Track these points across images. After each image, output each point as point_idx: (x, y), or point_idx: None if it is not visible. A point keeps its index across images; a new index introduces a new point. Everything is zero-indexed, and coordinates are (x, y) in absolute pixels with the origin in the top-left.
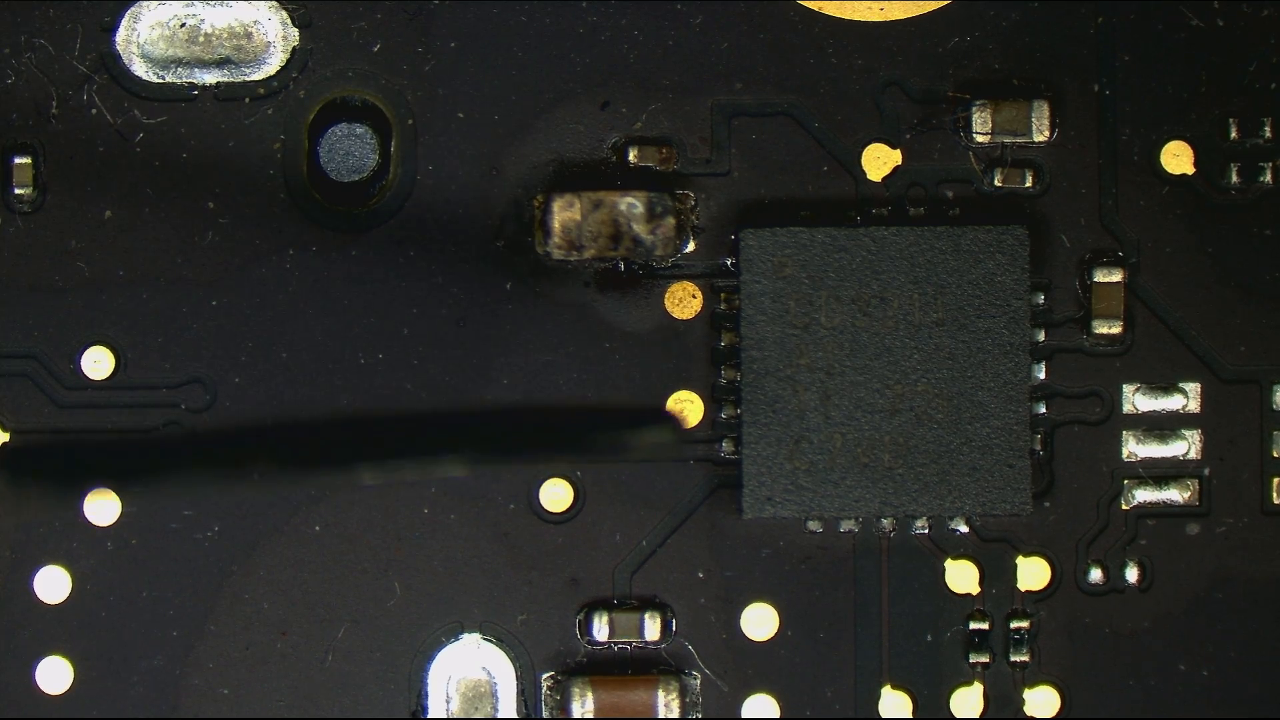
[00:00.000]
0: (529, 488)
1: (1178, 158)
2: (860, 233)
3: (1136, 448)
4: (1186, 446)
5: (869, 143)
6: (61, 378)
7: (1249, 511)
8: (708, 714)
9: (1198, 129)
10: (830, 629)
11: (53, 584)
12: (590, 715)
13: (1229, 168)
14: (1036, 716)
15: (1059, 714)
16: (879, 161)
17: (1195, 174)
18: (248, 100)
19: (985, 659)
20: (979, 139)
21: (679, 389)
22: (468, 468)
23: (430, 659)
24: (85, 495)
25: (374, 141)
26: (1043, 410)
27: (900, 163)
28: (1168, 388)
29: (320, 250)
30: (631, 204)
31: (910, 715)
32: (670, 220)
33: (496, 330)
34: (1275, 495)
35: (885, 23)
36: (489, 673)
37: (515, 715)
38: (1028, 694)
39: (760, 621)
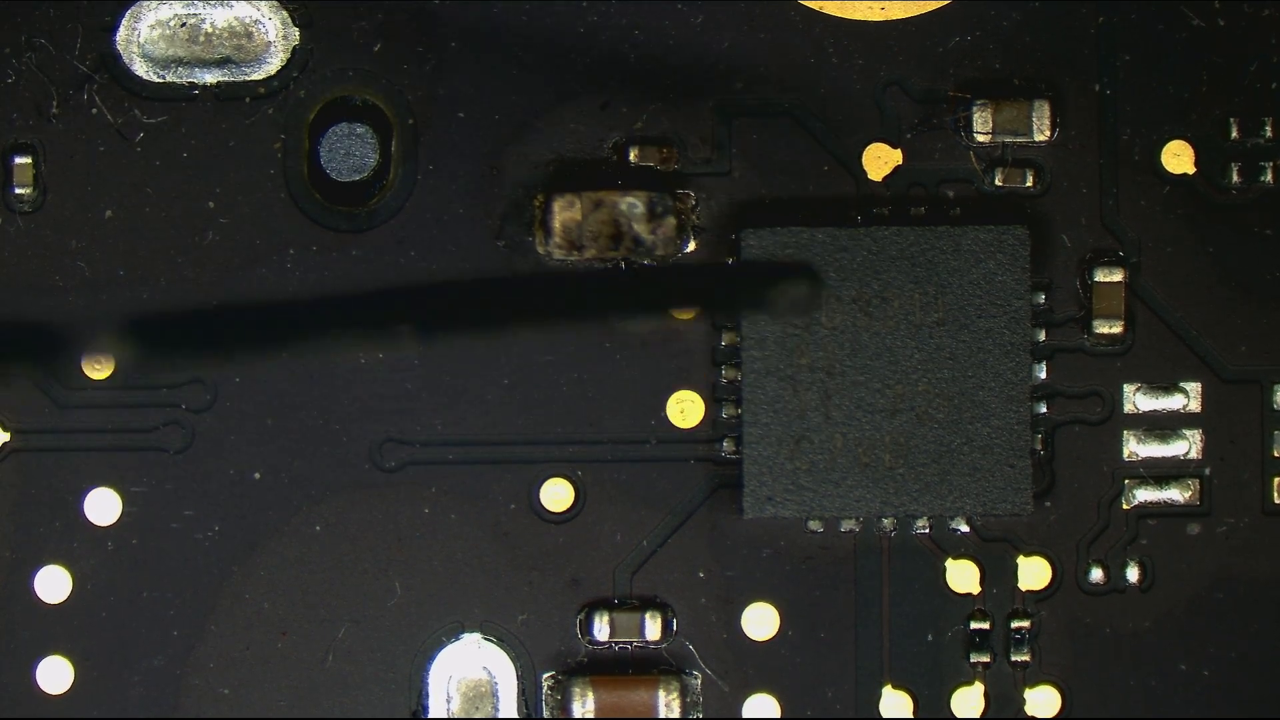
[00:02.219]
0: (529, 487)
1: (1178, 157)
2: (861, 233)
3: (1137, 447)
4: (1187, 446)
5: (870, 142)
6: (62, 378)
7: (1250, 511)
8: (708, 714)
9: (1198, 129)
10: (831, 629)
11: (53, 584)
12: (591, 715)
13: (1230, 167)
14: (1037, 716)
15: (1060, 714)
16: (880, 161)
17: (1196, 174)
18: (248, 100)
19: (986, 659)
20: (980, 139)
21: (680, 388)
22: (635, 323)
23: (431, 659)
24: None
25: (374, 141)
26: (1043, 410)
27: (901, 162)
28: (1168, 387)
29: (320, 250)
30: (632, 204)
31: (911, 715)
32: (671, 220)
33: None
34: (1276, 495)
35: (886, 22)
36: (490, 672)
37: (516, 715)
38: (1028, 694)
39: (761, 621)
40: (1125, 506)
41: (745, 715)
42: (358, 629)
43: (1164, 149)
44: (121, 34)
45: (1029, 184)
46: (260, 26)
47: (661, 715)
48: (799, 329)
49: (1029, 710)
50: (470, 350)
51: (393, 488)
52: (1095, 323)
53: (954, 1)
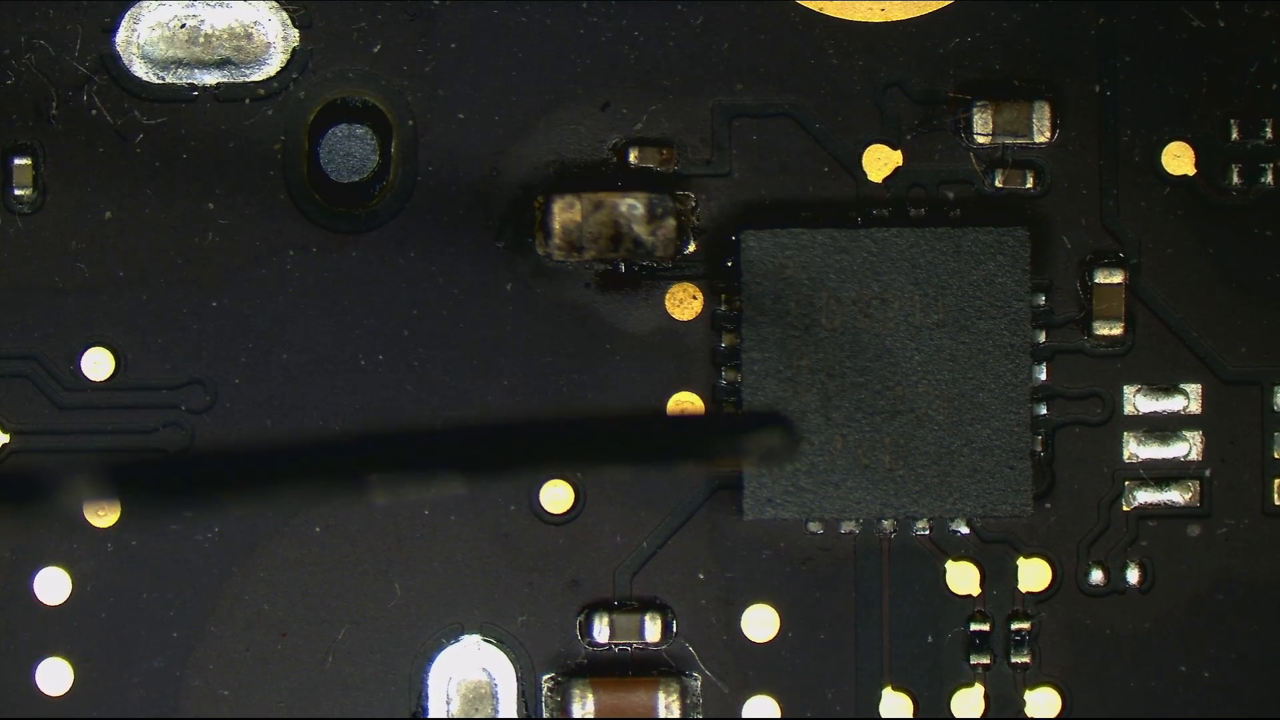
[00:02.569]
0: (530, 489)
1: (1179, 158)
2: (861, 234)
3: (1137, 449)
4: (1187, 448)
5: (870, 143)
6: (61, 379)
7: (1250, 513)
8: (708, 715)
9: (1199, 130)
10: (831, 630)
11: (53, 585)
12: (591, 716)
13: (1230, 168)
14: (1037, 718)
15: (1060, 715)
16: (880, 162)
17: (1196, 175)
18: (248, 101)
19: (986, 660)
20: (980, 140)
21: (680, 390)
22: (584, 470)
23: (430, 660)
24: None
25: (374, 142)
26: (1043, 411)
27: (901, 164)
28: (1169, 389)
29: (320, 251)
30: (632, 205)
31: (911, 716)
32: (671, 221)
33: (496, 331)
34: (1276, 496)
35: (886, 23)
36: (489, 674)
37: (515, 717)
38: (1029, 695)
39: (761, 623)
40: (1125, 508)
41: (745, 716)
42: (357, 630)
43: (1164, 150)
44: (121, 35)
45: (1029, 185)
46: (260, 28)
47: (661, 716)
48: (798, 330)
49: (1029, 712)
50: (469, 351)
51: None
52: (1095, 324)
53: (954, 2)
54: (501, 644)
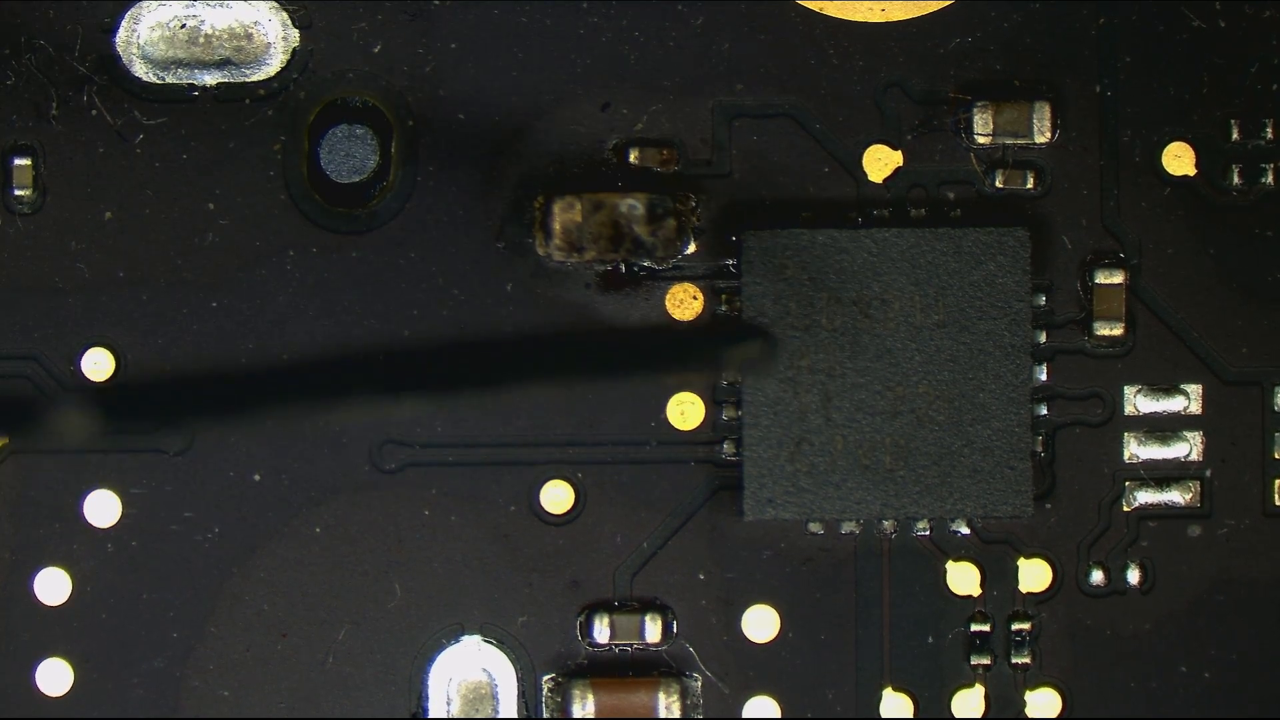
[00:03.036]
0: (530, 489)
1: (1179, 159)
2: (861, 234)
3: (1138, 449)
4: (1188, 448)
5: (870, 144)
6: (61, 379)
7: (1250, 513)
8: (709, 715)
9: (1199, 130)
10: (831, 631)
11: (53, 586)
12: (591, 717)
13: (1230, 169)
14: (1037, 718)
15: (1060, 715)
16: (880, 163)
17: (1197, 175)
18: (248, 101)
19: (986, 661)
20: (980, 140)
21: (680, 390)
22: (564, 383)
23: (431, 660)
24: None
25: (374, 143)
26: (1044, 412)
27: (901, 164)
28: (1169, 389)
29: (320, 251)
30: (632, 205)
31: (911, 717)
32: (671, 222)
33: (497, 332)
34: (1276, 497)
35: (886, 24)
36: (490, 674)
37: (516, 717)
38: (1029, 696)
39: (761, 623)
40: (1126, 508)
41: (745, 717)
42: (358, 631)
43: (1165, 150)
44: (121, 35)
45: (1030, 185)
46: (260, 28)
47: (661, 717)
48: (799, 331)
49: (1029, 712)
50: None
51: (393, 489)
52: (1096, 324)
53: (954, 2)
54: (502, 644)
